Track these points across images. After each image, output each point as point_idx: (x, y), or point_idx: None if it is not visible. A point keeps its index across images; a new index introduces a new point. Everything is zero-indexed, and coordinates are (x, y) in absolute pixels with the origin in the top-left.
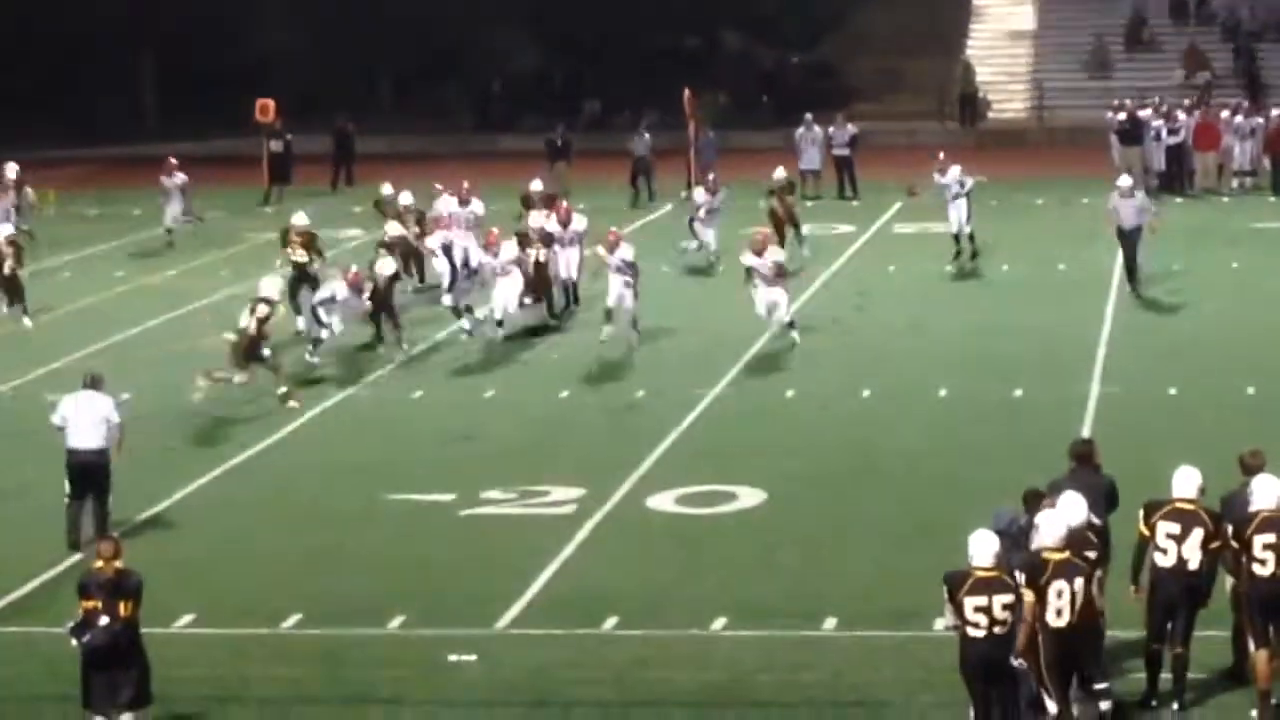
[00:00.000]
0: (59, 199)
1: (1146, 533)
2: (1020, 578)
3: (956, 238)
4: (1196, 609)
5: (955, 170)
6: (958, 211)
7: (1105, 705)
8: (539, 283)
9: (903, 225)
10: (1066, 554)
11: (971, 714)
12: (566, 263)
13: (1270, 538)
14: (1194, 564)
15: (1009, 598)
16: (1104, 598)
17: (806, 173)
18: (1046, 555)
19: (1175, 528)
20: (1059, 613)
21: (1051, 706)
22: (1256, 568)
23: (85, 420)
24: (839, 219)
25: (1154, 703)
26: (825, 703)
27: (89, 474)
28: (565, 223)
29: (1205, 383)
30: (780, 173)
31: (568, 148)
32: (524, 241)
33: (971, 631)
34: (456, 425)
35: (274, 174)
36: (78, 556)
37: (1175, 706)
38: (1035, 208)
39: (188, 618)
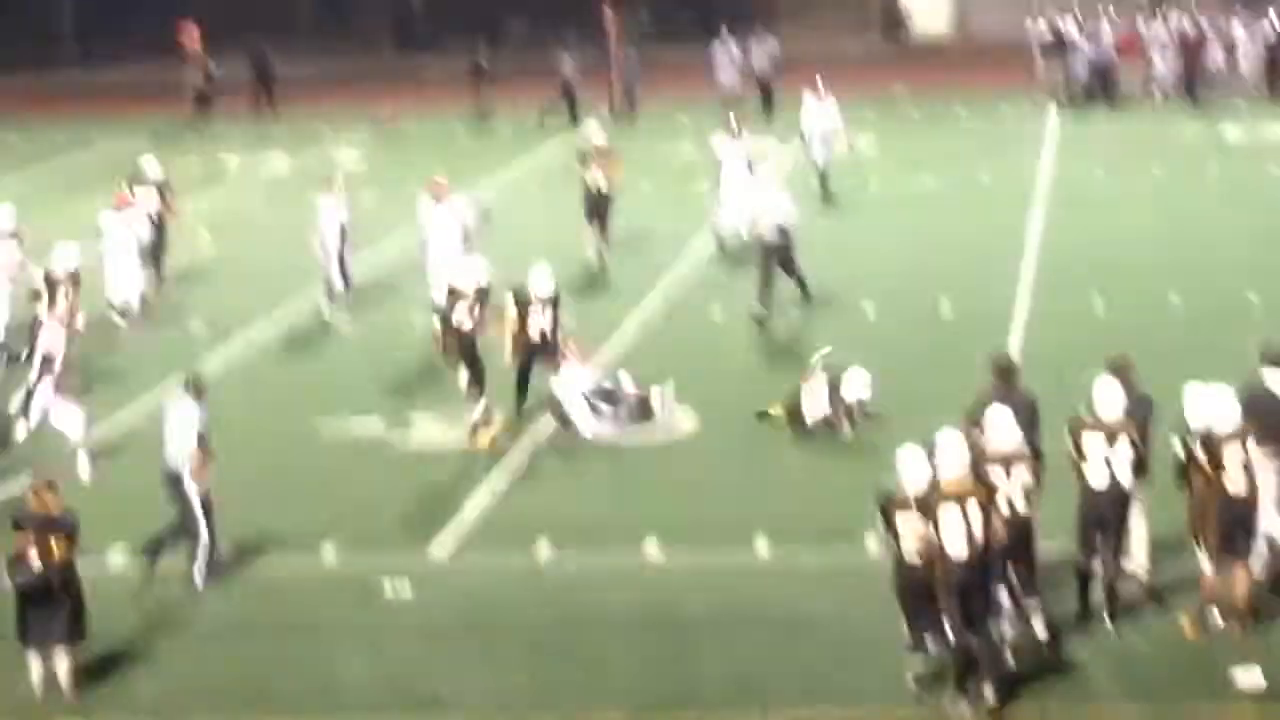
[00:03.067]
0: None
1: (1076, 448)
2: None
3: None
4: (1126, 523)
5: (832, 102)
6: (824, 149)
7: (1038, 626)
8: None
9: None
10: (965, 485)
11: (905, 631)
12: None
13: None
14: (1125, 480)
15: None
16: (1037, 514)
17: (724, 90)
18: (946, 487)
19: (1102, 442)
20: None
21: (948, 631)
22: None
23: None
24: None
25: (1085, 617)
26: (756, 621)
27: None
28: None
29: (1130, 291)
30: (595, 127)
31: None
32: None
33: (906, 554)
34: (388, 352)
35: (200, 105)
36: None
37: (1107, 622)
38: (957, 119)
39: (120, 550)
